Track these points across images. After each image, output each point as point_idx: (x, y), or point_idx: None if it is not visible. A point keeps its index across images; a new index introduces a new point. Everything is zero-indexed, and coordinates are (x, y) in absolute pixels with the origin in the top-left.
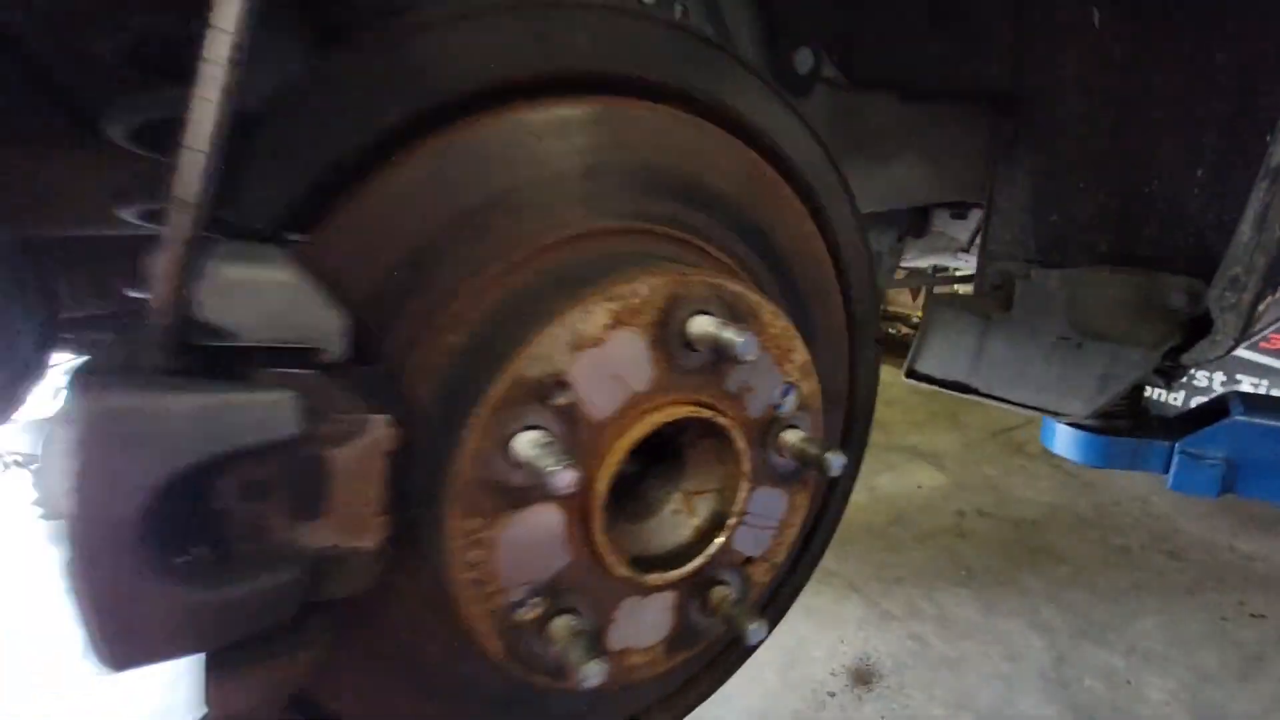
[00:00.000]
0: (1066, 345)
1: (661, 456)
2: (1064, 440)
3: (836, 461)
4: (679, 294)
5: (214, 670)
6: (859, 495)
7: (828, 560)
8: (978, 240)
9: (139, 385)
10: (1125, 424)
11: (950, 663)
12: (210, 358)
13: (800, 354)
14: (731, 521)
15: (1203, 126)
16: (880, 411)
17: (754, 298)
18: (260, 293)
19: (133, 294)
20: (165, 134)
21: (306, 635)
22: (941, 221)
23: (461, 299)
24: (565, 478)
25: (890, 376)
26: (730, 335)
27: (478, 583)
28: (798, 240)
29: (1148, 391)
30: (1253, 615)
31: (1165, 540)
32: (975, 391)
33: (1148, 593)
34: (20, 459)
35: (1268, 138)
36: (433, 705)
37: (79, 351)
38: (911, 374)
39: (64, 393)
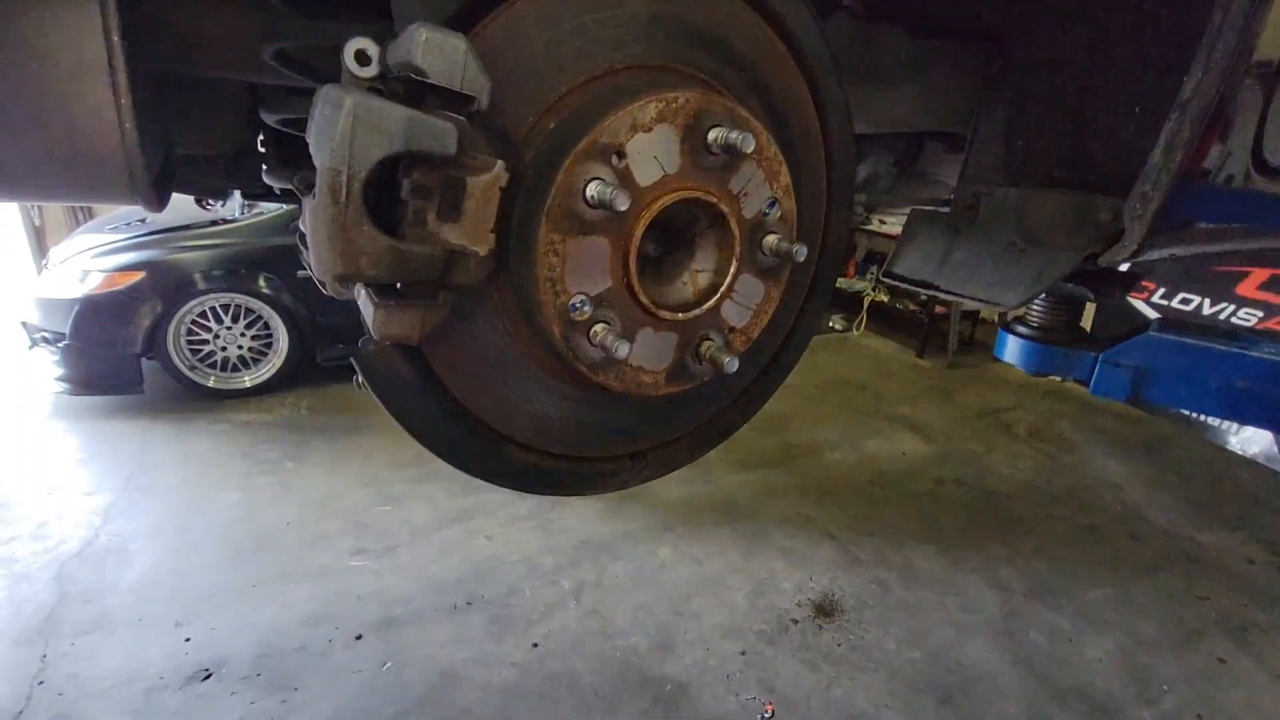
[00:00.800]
0: (1012, 250)
1: (679, 245)
2: (1012, 349)
3: (801, 250)
4: (706, 108)
5: (381, 304)
6: (845, 454)
7: (807, 508)
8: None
9: (373, 95)
10: (1063, 337)
11: (908, 607)
12: (408, 90)
13: (785, 177)
14: (722, 291)
15: (1143, 70)
16: (878, 384)
17: (756, 125)
18: (445, 50)
19: (269, 120)
20: None
21: (437, 300)
22: (934, 154)
23: (561, 95)
24: (623, 199)
25: (891, 352)
26: (736, 136)
27: (551, 281)
28: (796, 105)
29: None
30: (1199, 597)
31: (1131, 525)
32: (937, 289)
33: (1104, 568)
34: (47, 335)
35: (1185, 78)
36: (506, 384)
37: (189, 191)
38: (888, 274)
39: (323, 91)
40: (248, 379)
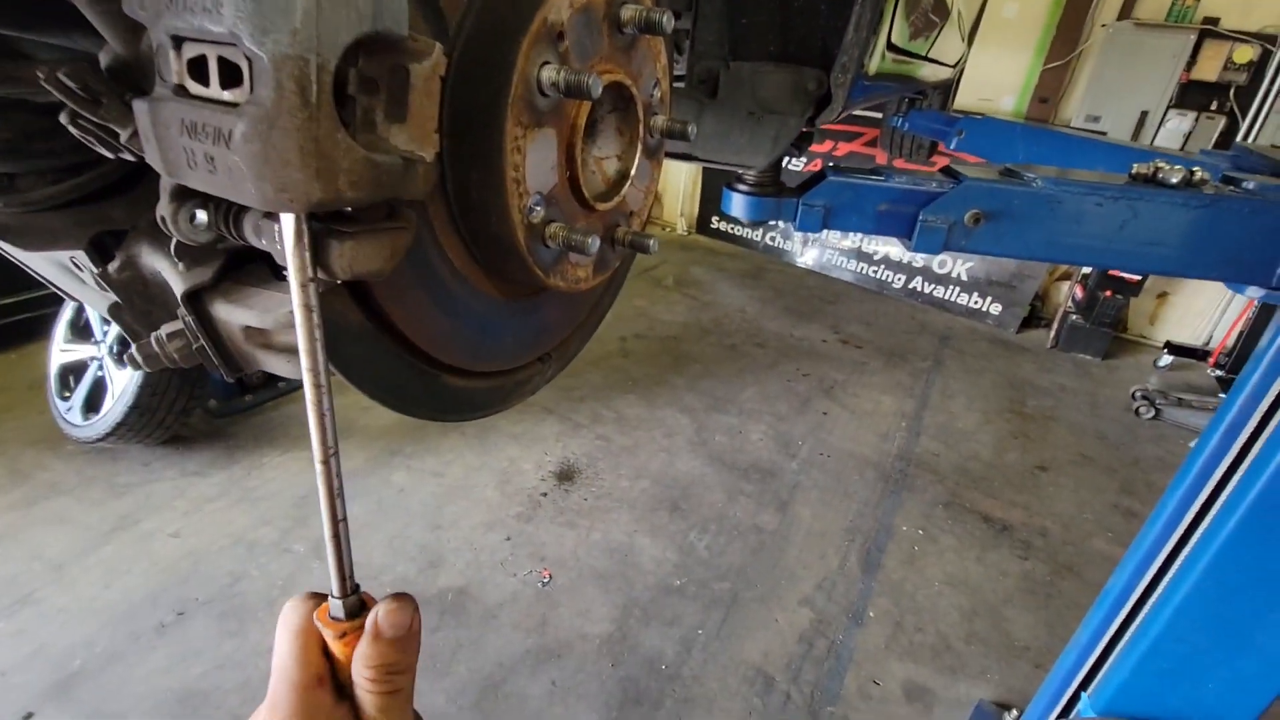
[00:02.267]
0: (752, 118)
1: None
2: (737, 203)
3: (693, 130)
4: None
5: (350, 233)
6: None
7: None
8: None
9: None
10: (771, 189)
11: (628, 449)
12: None
13: (664, 58)
14: (631, 176)
15: None
16: None
17: (650, 3)
18: None
19: None
20: None
21: (400, 220)
22: None
23: None
24: (596, 83)
25: None
26: (658, 16)
27: (515, 182)
28: None
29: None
30: (804, 375)
31: (755, 336)
32: (696, 158)
33: (748, 373)
34: None
35: None
36: (443, 309)
37: None
38: None
39: None
40: None
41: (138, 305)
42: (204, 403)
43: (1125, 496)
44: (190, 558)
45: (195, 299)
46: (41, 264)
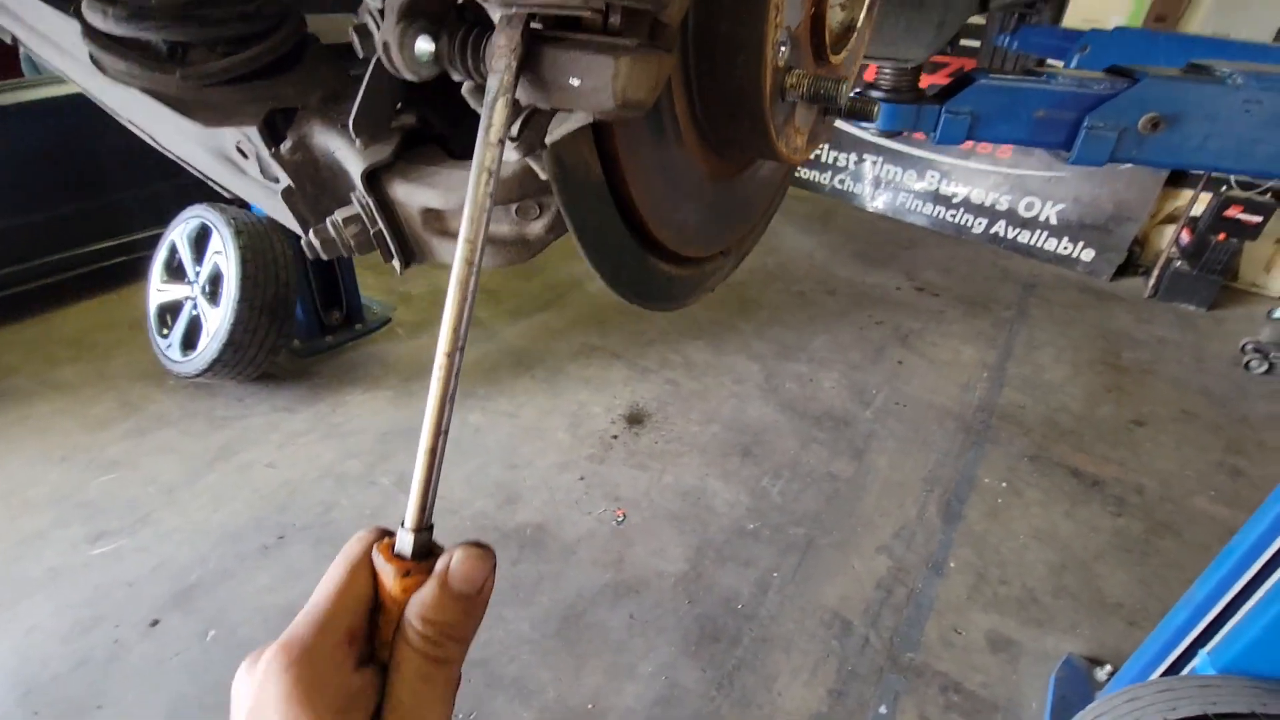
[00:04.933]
0: (910, 2)
1: None
2: None
3: None
4: None
5: (630, 49)
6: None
7: (590, 337)
8: None
9: None
10: (910, 95)
11: (697, 394)
12: None
13: None
14: (862, 21)
15: None
16: None
17: None
18: None
19: None
20: None
21: (663, 39)
22: None
23: None
24: None
25: None
26: None
27: (776, 8)
28: None
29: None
30: (877, 323)
31: (825, 283)
32: None
33: (818, 321)
34: None
35: None
36: (663, 176)
37: None
38: None
39: None
40: None
41: (309, 190)
42: (289, 343)
43: (1232, 455)
44: (286, 487)
45: (374, 179)
46: (202, 157)
